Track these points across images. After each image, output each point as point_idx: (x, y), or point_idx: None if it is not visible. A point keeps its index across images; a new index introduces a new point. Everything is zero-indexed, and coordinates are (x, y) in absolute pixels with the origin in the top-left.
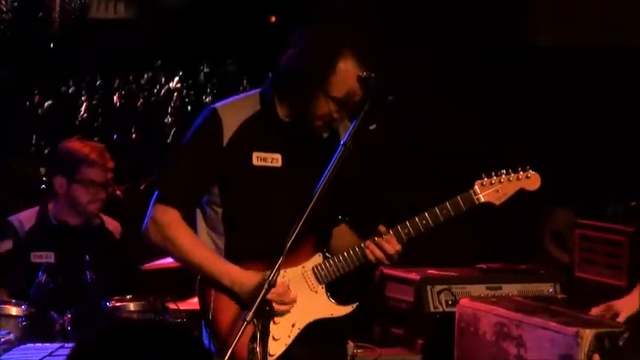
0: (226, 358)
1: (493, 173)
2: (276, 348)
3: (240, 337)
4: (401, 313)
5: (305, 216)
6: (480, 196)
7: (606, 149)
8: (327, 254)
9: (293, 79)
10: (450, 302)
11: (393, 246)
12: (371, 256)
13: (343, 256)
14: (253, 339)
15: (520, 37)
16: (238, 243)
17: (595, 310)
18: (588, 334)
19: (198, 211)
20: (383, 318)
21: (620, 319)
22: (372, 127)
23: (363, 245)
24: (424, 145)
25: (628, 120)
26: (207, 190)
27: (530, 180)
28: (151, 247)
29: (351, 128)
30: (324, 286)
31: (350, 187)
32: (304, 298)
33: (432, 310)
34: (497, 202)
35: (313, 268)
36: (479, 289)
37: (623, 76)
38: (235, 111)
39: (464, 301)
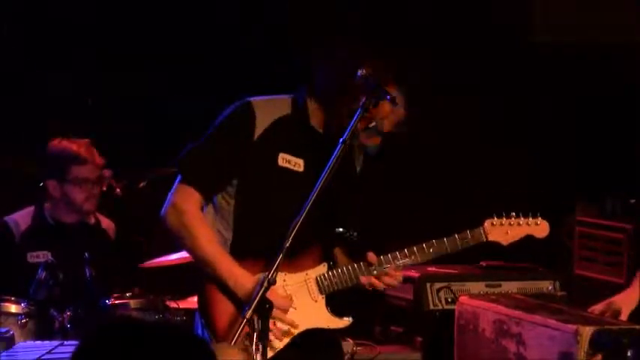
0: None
1: (504, 214)
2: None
3: (239, 334)
4: (400, 311)
5: (304, 213)
6: (489, 235)
7: (605, 146)
8: (332, 265)
9: (332, 94)
10: (449, 300)
11: (395, 279)
12: (368, 287)
13: (347, 269)
14: (247, 338)
15: (520, 35)
16: (246, 239)
17: (596, 308)
18: (588, 331)
19: None
20: (382, 316)
21: (623, 316)
22: (372, 125)
23: (368, 263)
24: (422, 146)
25: (627, 117)
26: (229, 181)
27: (539, 227)
28: (165, 231)
29: (349, 126)
30: (324, 296)
31: (352, 190)
32: (303, 305)
33: (432, 307)
34: (505, 243)
35: (317, 278)
36: (478, 287)
37: (623, 74)
38: (268, 109)
39: (463, 299)
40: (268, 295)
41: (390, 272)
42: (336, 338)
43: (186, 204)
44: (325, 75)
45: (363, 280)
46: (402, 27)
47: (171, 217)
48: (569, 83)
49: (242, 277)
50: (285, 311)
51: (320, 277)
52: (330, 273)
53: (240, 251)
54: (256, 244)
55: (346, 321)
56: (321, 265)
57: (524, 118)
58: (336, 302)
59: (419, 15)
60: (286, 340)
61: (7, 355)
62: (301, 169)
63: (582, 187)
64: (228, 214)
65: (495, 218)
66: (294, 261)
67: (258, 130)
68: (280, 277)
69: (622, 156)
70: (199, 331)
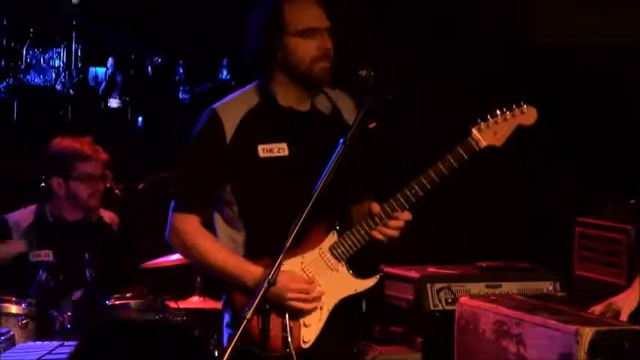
0: (226, 356)
1: (488, 115)
2: (309, 334)
3: (240, 333)
4: (400, 312)
5: (305, 214)
6: (480, 141)
7: (606, 147)
8: (341, 231)
9: (265, 52)
10: (449, 300)
11: (402, 218)
12: (381, 237)
13: (357, 229)
14: (284, 329)
15: (520, 36)
16: (258, 238)
17: (596, 308)
18: (588, 332)
19: (215, 213)
20: (382, 316)
21: (623, 316)
22: (372, 125)
23: (374, 216)
24: (422, 146)
25: (627, 117)
26: (221, 190)
27: (526, 114)
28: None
29: (351, 128)
30: (343, 263)
31: (356, 175)
32: (327, 279)
33: (432, 308)
34: (499, 144)
35: (330, 248)
36: (478, 287)
37: (623, 75)
38: (234, 108)
39: (463, 300)
40: (289, 283)
41: (397, 215)
42: (357, 304)
43: (184, 225)
44: (256, 32)
45: (375, 233)
46: (401, 29)
47: (174, 241)
48: (570, 83)
49: (259, 274)
50: (308, 292)
51: (332, 246)
52: (340, 239)
53: (255, 251)
54: (269, 241)
55: (373, 279)
56: (331, 235)
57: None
58: (359, 265)
59: (417, 15)
60: (325, 317)
61: (7, 356)
62: (286, 152)
63: (583, 188)
64: (236, 220)
65: (481, 123)
66: (306, 241)
67: (229, 133)
68: (298, 260)
69: (622, 156)
70: (227, 334)
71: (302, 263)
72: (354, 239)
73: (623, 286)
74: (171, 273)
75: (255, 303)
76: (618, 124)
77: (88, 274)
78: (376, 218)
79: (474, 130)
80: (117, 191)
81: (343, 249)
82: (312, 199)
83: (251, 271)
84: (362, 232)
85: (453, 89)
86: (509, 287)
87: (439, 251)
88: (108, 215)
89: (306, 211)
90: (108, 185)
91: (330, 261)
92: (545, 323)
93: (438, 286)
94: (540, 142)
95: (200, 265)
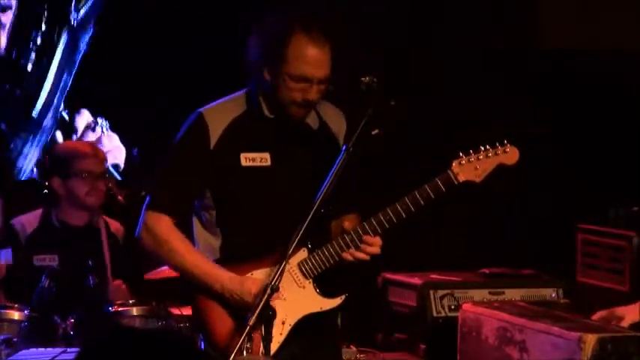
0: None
1: (471, 151)
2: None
3: (242, 341)
4: (403, 318)
5: (308, 220)
6: (459, 175)
7: (608, 153)
8: (312, 248)
9: (257, 68)
10: (452, 307)
11: (374, 244)
12: (351, 259)
13: (327, 248)
14: (248, 339)
15: (525, 40)
16: (234, 244)
17: (597, 316)
18: (591, 339)
19: (194, 217)
20: (385, 323)
21: (624, 324)
22: (375, 132)
23: (345, 237)
24: (423, 148)
25: (631, 123)
26: (199, 195)
27: (508, 154)
28: (146, 253)
29: (355, 134)
30: (311, 280)
31: (348, 187)
32: (292, 294)
33: (435, 314)
34: (478, 180)
35: (299, 264)
36: (481, 294)
37: (625, 81)
38: (221, 113)
39: (466, 306)
40: (254, 289)
41: (369, 240)
42: (331, 324)
43: (157, 224)
44: (256, 47)
45: (345, 255)
46: (404, 32)
47: (145, 239)
48: (573, 90)
49: (227, 279)
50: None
51: (301, 262)
52: (310, 256)
53: (231, 257)
54: (245, 248)
55: (338, 300)
56: (301, 251)
57: (528, 124)
58: (326, 283)
59: (420, 17)
60: (286, 332)
61: None
62: (268, 162)
63: (585, 194)
64: (213, 225)
65: (463, 157)
66: (275, 254)
67: (214, 139)
68: (265, 273)
69: (625, 162)
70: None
71: (270, 275)
72: (323, 258)
73: (625, 292)
74: (175, 279)
75: (259, 309)
76: (621, 130)
77: (91, 281)
78: (348, 240)
79: (455, 164)
80: (120, 198)
81: (311, 266)
82: (315, 206)
83: (220, 275)
84: (332, 251)
85: (453, 94)
86: (512, 294)
87: (442, 258)
88: (114, 225)
89: (309, 218)
90: (112, 192)
91: (297, 276)
92: (549, 330)
93: (440, 292)
94: (543, 147)
95: (169, 264)
